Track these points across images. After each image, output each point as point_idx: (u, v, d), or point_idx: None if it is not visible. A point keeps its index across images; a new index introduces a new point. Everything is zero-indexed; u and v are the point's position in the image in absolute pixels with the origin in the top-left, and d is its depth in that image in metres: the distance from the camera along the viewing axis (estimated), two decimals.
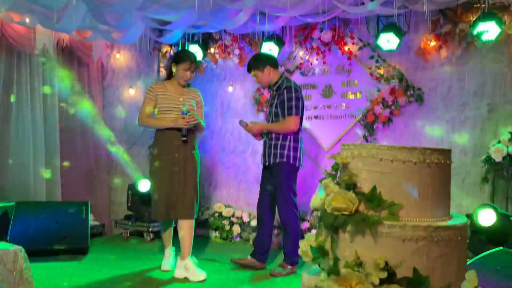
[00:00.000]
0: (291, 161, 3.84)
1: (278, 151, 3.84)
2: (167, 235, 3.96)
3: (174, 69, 3.78)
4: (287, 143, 3.84)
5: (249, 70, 4.03)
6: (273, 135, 3.89)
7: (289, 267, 3.85)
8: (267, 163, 3.94)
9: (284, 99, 3.82)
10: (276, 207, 3.97)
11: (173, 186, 3.66)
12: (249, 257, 4.02)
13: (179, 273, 3.68)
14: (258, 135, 4.02)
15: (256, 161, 5.26)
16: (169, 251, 3.99)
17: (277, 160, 3.84)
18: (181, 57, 3.78)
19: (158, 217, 3.77)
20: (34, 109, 5.06)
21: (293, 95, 3.81)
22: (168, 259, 3.95)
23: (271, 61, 4.00)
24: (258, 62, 3.96)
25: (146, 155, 5.83)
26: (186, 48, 5.12)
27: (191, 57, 3.77)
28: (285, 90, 3.84)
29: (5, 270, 2.56)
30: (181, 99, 3.74)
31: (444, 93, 4.43)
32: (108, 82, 6.13)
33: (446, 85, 4.42)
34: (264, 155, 3.98)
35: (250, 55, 5.31)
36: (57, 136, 5.29)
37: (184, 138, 3.66)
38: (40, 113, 5.10)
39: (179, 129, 3.67)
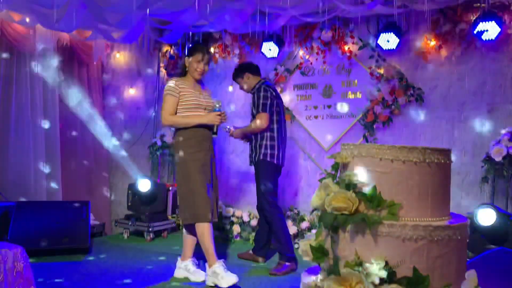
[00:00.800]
0: (268, 159, 3.94)
1: (257, 151, 3.99)
2: (193, 243, 3.71)
3: (187, 63, 3.62)
4: (264, 142, 3.97)
5: (233, 79, 4.25)
6: (252, 136, 4.05)
7: (287, 263, 3.86)
8: (252, 163, 4.12)
9: (254, 100, 3.99)
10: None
11: (208, 187, 3.54)
12: (250, 251, 4.27)
13: (179, 273, 3.67)
14: (242, 138, 4.19)
15: None
16: (194, 260, 3.74)
17: (256, 159, 3.99)
18: (193, 49, 3.64)
19: (204, 221, 3.45)
20: (34, 109, 5.06)
21: (261, 94, 3.95)
22: (199, 269, 3.67)
23: (250, 69, 4.15)
24: (238, 71, 4.17)
25: (146, 155, 5.83)
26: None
27: (203, 48, 3.64)
28: (256, 92, 4.01)
29: (5, 270, 2.56)
30: (201, 95, 3.62)
31: (444, 93, 4.43)
32: (108, 82, 6.13)
33: (446, 85, 4.42)
34: (250, 156, 4.15)
35: (250, 55, 5.33)
36: (57, 136, 5.29)
37: (215, 136, 3.57)
38: (40, 113, 5.10)
39: (209, 127, 3.55)
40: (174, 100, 3.52)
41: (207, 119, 3.51)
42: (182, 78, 3.64)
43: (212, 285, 3.40)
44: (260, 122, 3.92)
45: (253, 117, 4.02)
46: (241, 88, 4.23)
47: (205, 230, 3.45)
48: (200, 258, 3.66)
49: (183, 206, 3.52)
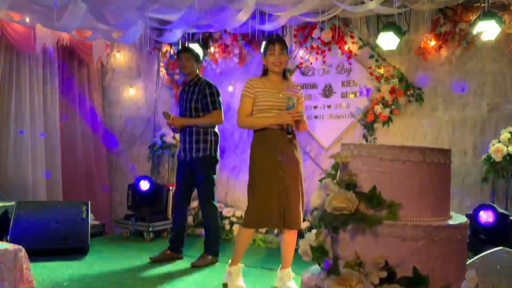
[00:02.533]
0: (213, 154, 4.04)
1: (201, 145, 3.99)
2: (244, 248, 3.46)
3: (265, 62, 3.41)
4: (209, 137, 4.02)
5: (186, 50, 4.21)
6: (194, 130, 4.03)
7: (209, 256, 4.06)
8: (188, 158, 4.05)
9: (207, 94, 4.00)
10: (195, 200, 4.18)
11: (278, 193, 3.24)
12: (168, 251, 4.21)
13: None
14: (179, 128, 4.13)
15: None
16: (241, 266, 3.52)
17: (201, 154, 3.99)
18: (265, 44, 3.43)
19: (247, 226, 3.33)
20: (34, 109, 5.06)
21: (214, 90, 4.05)
22: (240, 278, 3.46)
23: (197, 56, 4.27)
24: (193, 51, 4.23)
25: (146, 155, 5.83)
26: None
27: (273, 39, 3.40)
28: (206, 86, 4.04)
29: (5, 270, 2.56)
30: (280, 95, 3.33)
31: (444, 93, 4.43)
32: (108, 82, 6.14)
33: (446, 85, 4.42)
34: (184, 151, 4.09)
35: (250, 55, 5.32)
36: (57, 136, 5.29)
37: (289, 136, 3.28)
38: (40, 113, 5.10)
39: (283, 128, 3.30)
40: (249, 101, 3.35)
41: (279, 119, 3.26)
42: (261, 78, 3.43)
43: (224, 282, 3.42)
44: (218, 119, 4.03)
45: (195, 110, 4.04)
46: (183, 65, 4.15)
47: (241, 233, 3.38)
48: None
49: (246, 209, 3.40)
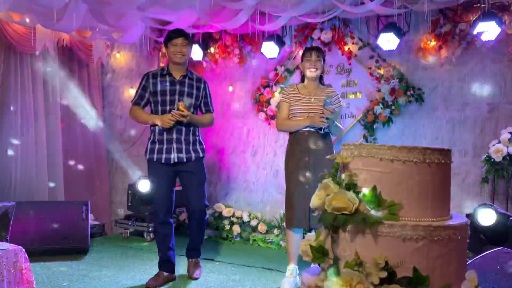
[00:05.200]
0: (206, 155, 3.78)
1: (198, 146, 3.66)
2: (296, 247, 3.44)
3: (301, 67, 3.65)
4: (198, 138, 3.69)
5: (183, 36, 3.57)
6: (192, 129, 3.62)
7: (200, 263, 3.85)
8: (177, 160, 3.54)
9: (208, 93, 3.75)
10: (192, 203, 3.66)
11: (304, 194, 3.33)
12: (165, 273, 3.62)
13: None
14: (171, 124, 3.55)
15: (256, 161, 5.27)
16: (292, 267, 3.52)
17: (200, 155, 3.65)
18: (304, 51, 3.65)
19: (287, 225, 3.50)
20: (35, 109, 5.06)
21: (209, 90, 3.79)
22: (291, 278, 3.46)
23: (192, 43, 3.88)
24: (190, 36, 3.69)
25: None
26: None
27: (309, 47, 3.64)
28: (206, 84, 3.75)
29: (5, 270, 2.56)
30: (312, 99, 3.51)
31: (444, 93, 4.43)
32: (108, 82, 6.14)
33: (446, 85, 4.43)
34: (172, 151, 3.54)
35: (250, 55, 5.33)
36: (59, 136, 5.30)
37: (321, 132, 3.42)
38: (41, 113, 5.11)
39: (316, 130, 3.45)
40: (285, 106, 3.58)
41: (310, 121, 3.43)
42: (297, 84, 3.67)
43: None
44: (213, 121, 3.83)
45: (195, 108, 3.65)
46: (181, 53, 3.55)
47: (288, 235, 3.55)
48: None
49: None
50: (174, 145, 3.55)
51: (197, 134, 3.68)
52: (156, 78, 3.59)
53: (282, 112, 3.59)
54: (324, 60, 3.60)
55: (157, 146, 3.57)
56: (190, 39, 3.64)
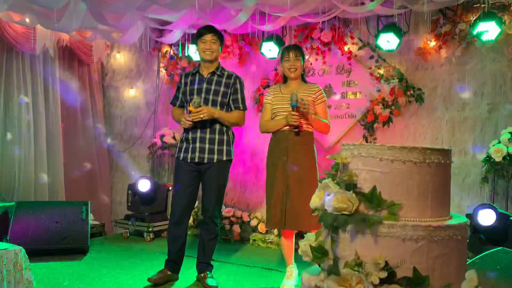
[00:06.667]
0: (232, 158, 3.56)
1: (225, 148, 3.47)
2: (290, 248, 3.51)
3: (282, 68, 3.57)
4: (231, 139, 3.53)
5: (212, 32, 3.45)
6: (218, 127, 3.46)
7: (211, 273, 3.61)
8: (199, 160, 3.42)
9: (238, 89, 3.52)
10: (206, 208, 3.52)
11: (281, 194, 3.32)
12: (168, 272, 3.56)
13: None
14: (196, 121, 3.39)
15: (256, 161, 5.27)
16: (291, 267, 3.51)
17: (224, 158, 3.45)
18: (282, 51, 3.58)
19: (267, 227, 3.59)
20: (36, 109, 5.07)
21: (244, 88, 3.59)
22: (291, 278, 3.43)
23: (222, 39, 3.56)
24: (219, 32, 3.53)
25: (146, 155, 5.83)
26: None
27: (288, 47, 3.56)
28: (237, 79, 3.53)
29: (5, 270, 2.56)
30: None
31: (444, 93, 4.43)
32: (108, 82, 6.14)
33: (446, 85, 4.42)
34: (193, 151, 3.42)
35: (250, 55, 5.32)
36: (60, 136, 5.30)
37: (297, 136, 3.33)
38: (42, 113, 5.11)
39: (294, 129, 3.36)
40: (268, 107, 3.54)
41: (284, 120, 3.35)
42: (279, 85, 3.62)
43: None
44: (244, 120, 3.59)
45: (221, 104, 3.45)
46: (209, 49, 3.43)
47: (281, 236, 3.53)
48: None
49: None
50: (197, 145, 3.42)
51: (225, 133, 3.47)
52: (187, 78, 3.56)
53: (264, 114, 3.56)
54: (303, 59, 3.51)
55: (184, 145, 3.50)
56: (220, 36, 3.50)
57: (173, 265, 3.57)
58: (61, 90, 5.37)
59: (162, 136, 5.59)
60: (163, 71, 5.85)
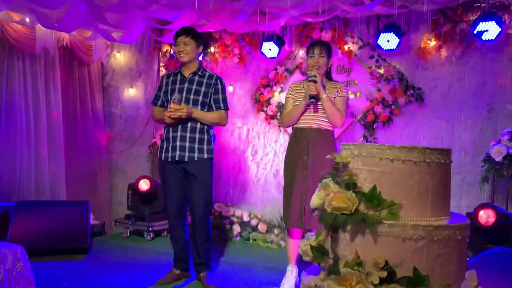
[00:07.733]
0: (213, 156, 3.58)
1: (206, 146, 3.50)
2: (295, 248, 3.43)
3: (306, 64, 3.54)
4: (211, 138, 3.56)
5: (184, 33, 3.49)
6: (199, 126, 3.49)
7: (209, 272, 3.63)
8: (185, 159, 3.44)
9: (219, 89, 3.54)
10: (192, 209, 3.54)
11: (300, 193, 3.30)
12: (176, 271, 3.63)
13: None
14: (177, 119, 3.43)
15: (256, 160, 5.27)
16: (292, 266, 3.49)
17: (205, 156, 3.49)
18: (307, 47, 3.55)
19: (286, 225, 3.47)
20: (36, 109, 5.07)
21: (225, 86, 3.62)
22: (291, 278, 3.44)
23: (199, 39, 3.57)
24: (198, 34, 3.56)
25: (146, 154, 5.84)
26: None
27: (312, 43, 3.51)
28: (219, 80, 3.57)
29: (5, 270, 2.56)
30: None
31: (444, 93, 4.43)
32: (108, 82, 6.14)
33: (446, 85, 4.42)
34: (175, 149, 3.45)
35: (250, 55, 5.32)
36: (61, 136, 5.31)
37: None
38: (42, 113, 5.11)
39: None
40: (290, 101, 3.52)
41: (304, 102, 3.34)
42: (303, 81, 3.55)
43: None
44: (226, 120, 3.60)
45: (201, 105, 3.48)
46: (185, 51, 3.48)
47: (289, 235, 3.49)
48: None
49: None
50: (178, 143, 3.46)
51: (206, 132, 3.51)
52: (169, 78, 3.61)
53: (286, 107, 3.55)
54: (329, 55, 3.47)
55: (165, 145, 3.53)
56: (195, 35, 3.50)
57: (181, 263, 3.64)
58: (61, 89, 5.37)
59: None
60: (163, 71, 5.85)
